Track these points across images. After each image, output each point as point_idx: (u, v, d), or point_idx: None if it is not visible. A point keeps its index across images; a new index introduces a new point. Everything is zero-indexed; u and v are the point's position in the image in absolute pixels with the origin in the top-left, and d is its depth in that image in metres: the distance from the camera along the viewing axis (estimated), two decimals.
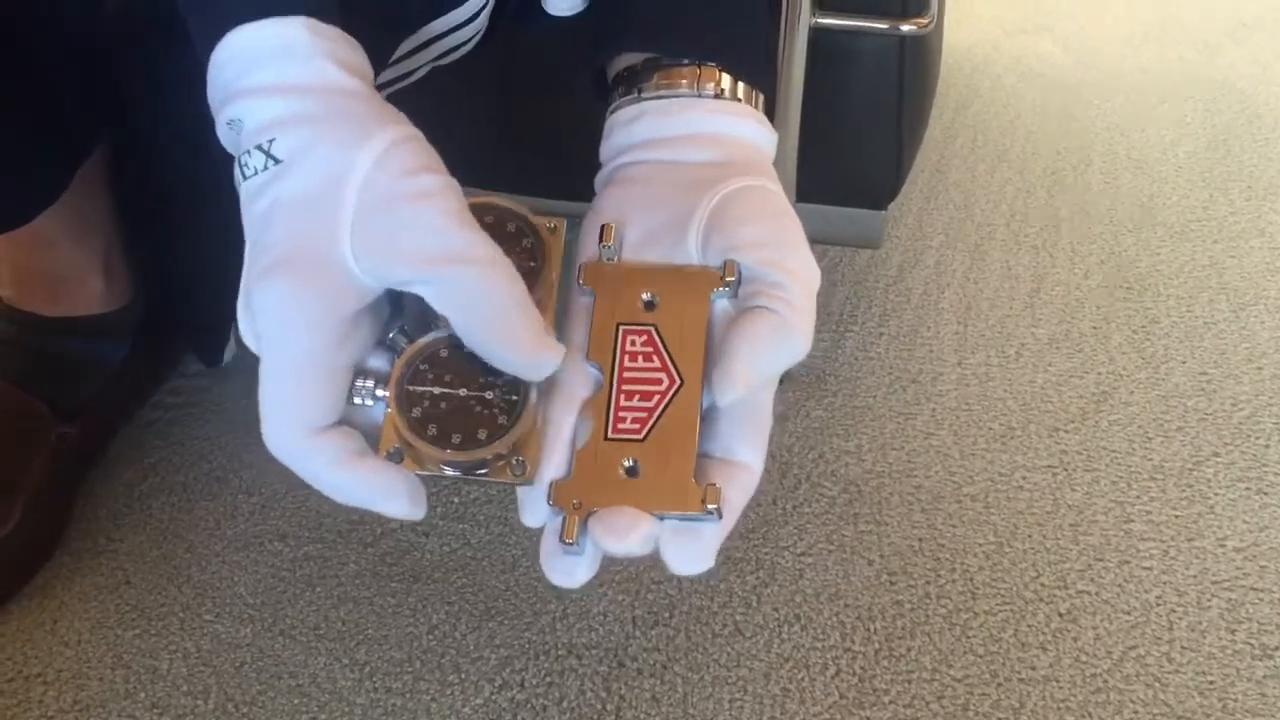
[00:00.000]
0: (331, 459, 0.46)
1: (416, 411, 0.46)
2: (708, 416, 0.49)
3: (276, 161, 0.47)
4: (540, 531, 0.49)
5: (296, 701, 0.80)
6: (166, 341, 1.01)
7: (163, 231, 0.92)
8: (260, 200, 0.47)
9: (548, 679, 0.82)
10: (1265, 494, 0.94)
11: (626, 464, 0.48)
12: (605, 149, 0.59)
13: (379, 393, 0.47)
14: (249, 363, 0.47)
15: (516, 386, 0.47)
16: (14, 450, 0.88)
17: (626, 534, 0.46)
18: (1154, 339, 1.08)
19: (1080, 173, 1.28)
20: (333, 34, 0.49)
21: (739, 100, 0.57)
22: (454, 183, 0.48)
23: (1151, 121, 1.36)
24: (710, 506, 0.46)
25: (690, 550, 0.47)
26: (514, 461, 0.47)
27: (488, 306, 0.46)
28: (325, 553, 0.90)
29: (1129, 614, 0.86)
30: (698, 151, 0.55)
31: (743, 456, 0.49)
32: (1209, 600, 0.87)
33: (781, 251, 0.51)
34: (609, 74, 0.61)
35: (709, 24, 0.60)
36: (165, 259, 0.94)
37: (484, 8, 0.70)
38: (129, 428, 0.98)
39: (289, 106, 0.47)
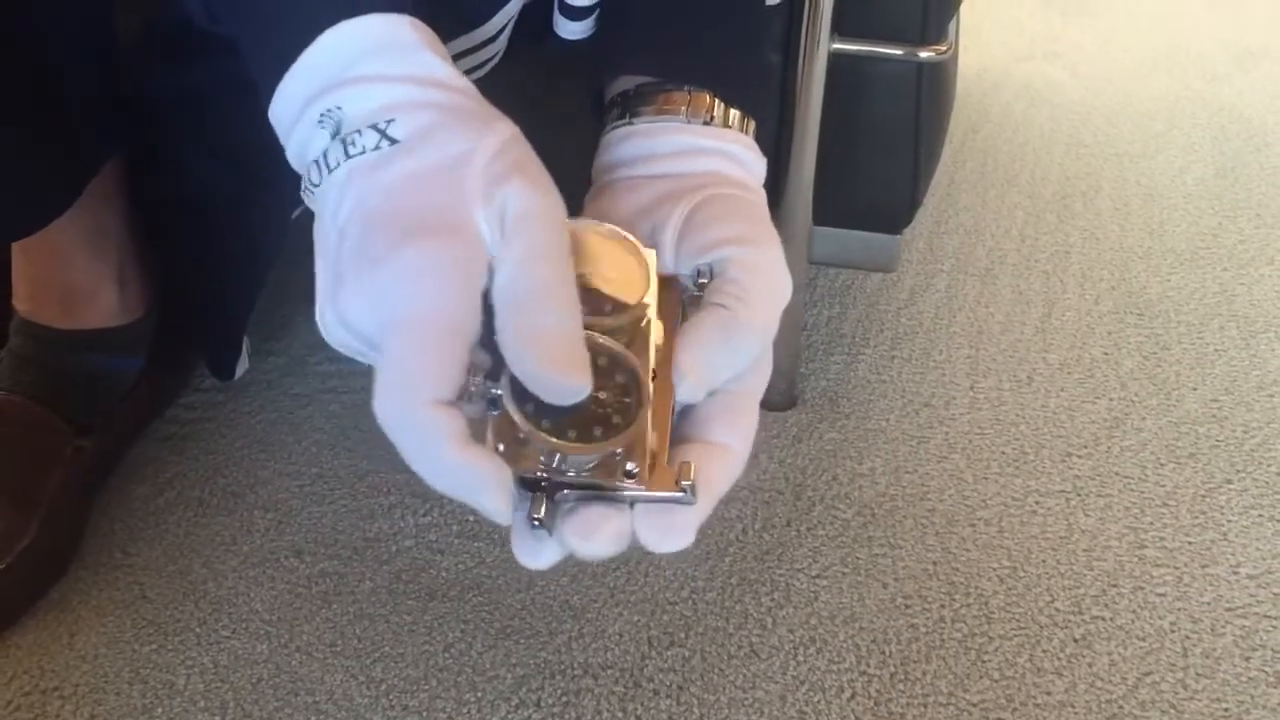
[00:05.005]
0: (450, 436, 0.44)
1: (529, 407, 0.45)
2: (689, 407, 0.50)
3: (392, 141, 0.47)
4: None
5: (313, 718, 0.80)
6: (181, 355, 1.01)
7: (178, 245, 0.92)
8: (379, 175, 0.46)
9: (564, 698, 0.82)
10: (1278, 521, 0.95)
11: None
12: (595, 167, 0.60)
13: (494, 390, 0.46)
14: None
15: (628, 389, 0.47)
16: (30, 464, 0.88)
17: (594, 532, 0.46)
18: (1165, 365, 1.09)
19: (1090, 199, 1.29)
20: (431, 35, 0.50)
21: (730, 127, 0.58)
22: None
23: (1160, 149, 1.37)
24: (684, 483, 0.46)
25: (667, 526, 0.47)
26: (625, 466, 0.46)
27: (522, 289, 0.45)
28: (341, 569, 0.90)
29: (1143, 640, 0.86)
30: (684, 165, 0.57)
31: (721, 438, 0.49)
32: (1223, 627, 0.87)
33: (746, 250, 0.52)
34: (606, 96, 0.62)
35: (705, 51, 0.61)
36: (180, 272, 0.95)
37: (504, 28, 0.70)
38: (144, 442, 0.98)
39: (407, 93, 0.47)
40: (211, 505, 0.94)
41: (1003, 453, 1.00)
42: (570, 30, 0.69)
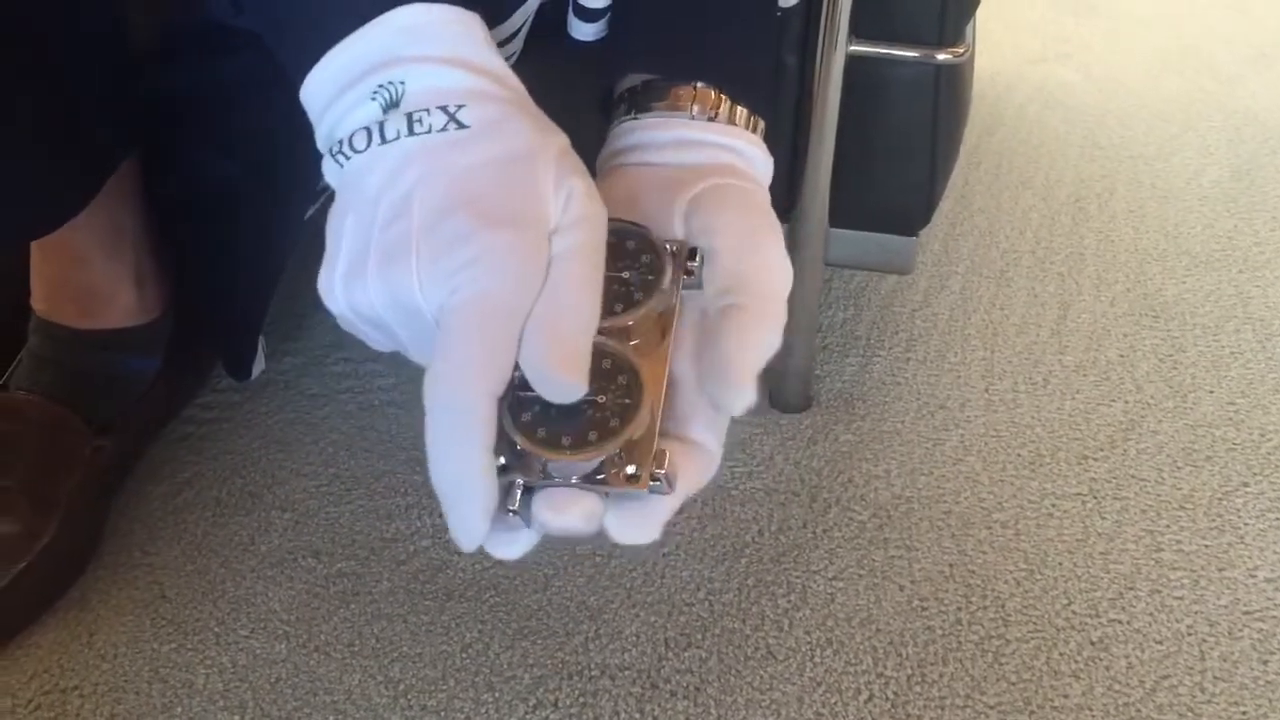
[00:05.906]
0: (485, 435, 0.44)
1: (526, 416, 0.46)
2: (666, 402, 0.50)
3: (460, 126, 0.47)
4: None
5: (331, 718, 0.81)
6: (198, 355, 1.02)
7: (194, 245, 0.92)
8: (450, 157, 0.47)
9: (581, 699, 0.82)
10: None
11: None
12: (599, 159, 0.60)
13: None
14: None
15: (630, 391, 0.47)
16: (49, 464, 0.88)
17: (565, 508, 0.46)
18: (1181, 368, 1.08)
19: (1105, 201, 1.29)
20: (489, 34, 0.51)
21: (735, 124, 0.59)
22: None
23: (1175, 150, 1.37)
24: (658, 472, 0.46)
25: (634, 520, 0.47)
26: (626, 470, 0.46)
27: (554, 283, 0.46)
28: (358, 569, 0.90)
29: (1161, 643, 0.86)
30: (686, 156, 0.57)
31: (698, 436, 0.50)
32: (1240, 631, 0.87)
33: (753, 242, 0.52)
34: (614, 93, 0.62)
35: (710, 53, 0.61)
36: (194, 271, 0.95)
37: (522, 27, 0.71)
38: (162, 442, 0.99)
39: (474, 82, 0.48)
40: (229, 505, 0.95)
41: (1018, 455, 1.00)
42: (583, 32, 0.70)
